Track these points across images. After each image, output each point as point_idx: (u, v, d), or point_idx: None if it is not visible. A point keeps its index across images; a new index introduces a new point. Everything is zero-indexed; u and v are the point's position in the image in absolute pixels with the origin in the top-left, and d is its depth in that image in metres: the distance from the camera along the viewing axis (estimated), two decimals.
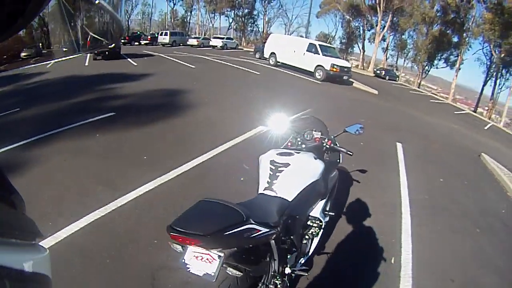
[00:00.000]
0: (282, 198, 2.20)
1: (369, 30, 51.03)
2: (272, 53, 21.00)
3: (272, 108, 9.27)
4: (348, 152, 2.91)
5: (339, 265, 3.52)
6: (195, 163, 5.52)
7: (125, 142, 6.35)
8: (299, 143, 2.91)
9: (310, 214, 2.70)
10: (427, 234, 4.55)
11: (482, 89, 39.26)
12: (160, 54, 23.46)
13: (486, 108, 39.83)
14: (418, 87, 39.45)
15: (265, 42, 25.09)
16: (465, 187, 7.03)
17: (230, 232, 1.53)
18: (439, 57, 42.98)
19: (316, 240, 2.94)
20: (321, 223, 2.78)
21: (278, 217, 1.99)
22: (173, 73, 16.23)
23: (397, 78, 38.95)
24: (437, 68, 44.68)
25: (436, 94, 38.42)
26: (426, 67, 44.35)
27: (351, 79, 19.78)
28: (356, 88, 19.57)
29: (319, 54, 18.34)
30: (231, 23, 61.55)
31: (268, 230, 1.75)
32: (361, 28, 52.35)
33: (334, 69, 17.65)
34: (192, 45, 38.14)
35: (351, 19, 51.19)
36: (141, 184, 4.55)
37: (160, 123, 7.60)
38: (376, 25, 44.31)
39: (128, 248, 3.39)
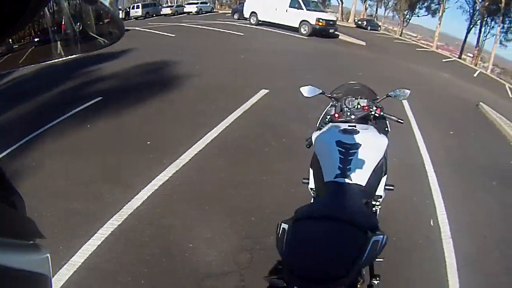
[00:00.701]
0: (357, 184, 2.06)
1: None
2: (253, 13, 20.34)
3: (266, 69, 9.20)
4: (399, 120, 2.73)
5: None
6: (206, 141, 5.14)
7: (121, 129, 5.73)
8: (348, 113, 2.65)
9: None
10: (454, 193, 4.66)
11: (466, 37, 39.66)
12: (135, 28, 22.22)
13: (470, 55, 40.52)
14: (400, 36, 39.47)
15: (242, 3, 24.23)
16: (473, 140, 7.22)
17: (364, 258, 1.37)
18: (420, 6, 42.75)
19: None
20: (381, 200, 2.67)
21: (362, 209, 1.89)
22: (153, 45, 15.04)
23: (379, 28, 38.83)
24: (418, 16, 44.70)
25: (418, 42, 38.60)
26: (407, 16, 44.17)
27: (336, 32, 19.57)
28: (343, 40, 19.40)
29: (303, 9, 18.16)
30: None
31: (381, 233, 1.57)
32: None
33: (320, 23, 17.54)
34: (166, 15, 36.12)
35: None
36: (154, 177, 4.11)
37: (155, 101, 6.95)
38: None
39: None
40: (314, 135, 2.46)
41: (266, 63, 9.58)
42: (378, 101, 2.90)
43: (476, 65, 33.16)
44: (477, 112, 9.72)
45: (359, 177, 2.07)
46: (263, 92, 6.85)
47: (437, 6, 40.90)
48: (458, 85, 14.25)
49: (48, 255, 0.53)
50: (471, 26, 39.01)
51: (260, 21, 20.03)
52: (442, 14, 39.51)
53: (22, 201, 0.59)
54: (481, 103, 10.33)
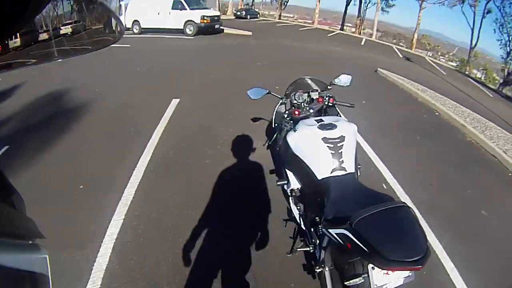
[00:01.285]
0: (351, 173, 2.26)
1: None
2: (135, 21, 19.49)
3: (166, 77, 8.85)
4: (351, 105, 3.01)
5: None
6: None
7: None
8: (307, 108, 2.81)
9: None
10: (391, 155, 5.11)
11: (346, 9, 42.61)
12: None
13: (349, 25, 43.97)
14: (279, 19, 41.22)
15: None
16: (384, 104, 7.93)
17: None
18: None
19: None
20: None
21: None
22: None
23: (258, 15, 40.16)
24: None
25: (297, 22, 40.85)
26: None
27: (221, 27, 19.76)
28: (229, 34, 19.65)
29: (186, 9, 17.87)
30: None
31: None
32: None
33: (205, 21, 17.46)
34: None
35: None
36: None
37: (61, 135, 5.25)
38: None
39: None
40: (290, 138, 2.48)
41: (163, 70, 9.21)
42: (326, 90, 3.06)
43: (360, 34, 36.16)
44: (378, 77, 10.61)
45: (349, 166, 2.26)
46: (174, 102, 6.51)
47: None
48: (352, 55, 15.47)
49: (47, 255, 0.54)
50: None
51: (143, 28, 19.30)
52: None
53: (22, 201, 0.61)
54: (378, 68, 11.27)
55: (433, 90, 9.62)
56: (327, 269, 2.11)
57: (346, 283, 1.76)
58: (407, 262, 1.43)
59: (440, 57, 51.26)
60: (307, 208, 2.63)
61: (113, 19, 0.69)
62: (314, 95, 2.86)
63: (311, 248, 2.36)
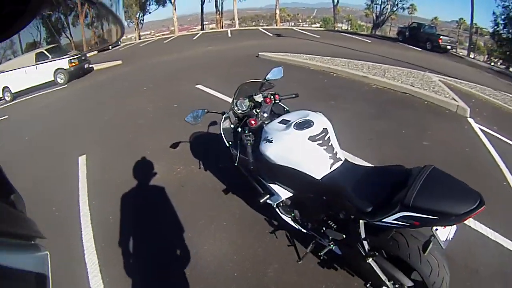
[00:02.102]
0: (345, 160, 2.39)
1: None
2: (5, 88, 17.30)
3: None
4: (296, 95, 3.05)
5: None
6: None
7: None
8: (263, 114, 2.76)
9: None
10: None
11: (202, 8, 42.77)
12: None
13: (207, 22, 44.80)
14: (140, 39, 40.37)
15: None
16: (287, 80, 8.13)
17: None
18: (149, 2, 43.92)
19: None
20: None
21: None
22: None
23: (120, 42, 38.82)
24: (150, 13, 45.81)
25: (158, 36, 40.46)
26: (141, 18, 44.86)
27: (91, 65, 18.65)
28: (100, 69, 18.67)
29: (49, 57, 16.34)
30: None
31: None
32: None
33: (74, 63, 16.19)
34: None
35: None
36: None
37: None
38: None
39: None
40: (269, 150, 2.42)
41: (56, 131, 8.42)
42: (265, 89, 3.07)
43: (222, 27, 36.97)
44: (263, 61, 11.01)
45: (340, 153, 2.38)
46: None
47: None
48: (227, 49, 15.72)
49: (48, 255, 0.55)
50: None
51: (15, 93, 17.26)
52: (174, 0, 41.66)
53: (22, 201, 0.63)
54: (259, 53, 11.68)
55: (320, 55, 10.29)
56: (373, 258, 2.15)
57: (425, 254, 1.89)
58: (475, 208, 1.59)
59: (303, 23, 54.88)
60: (306, 212, 2.67)
61: (113, 20, 0.69)
62: (259, 98, 2.81)
63: (331, 245, 2.44)
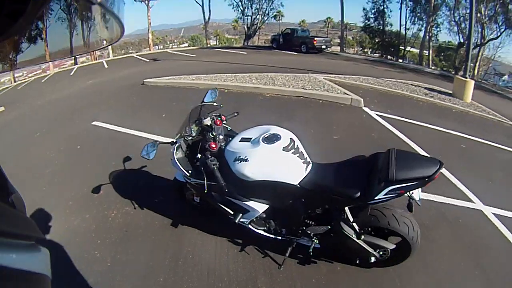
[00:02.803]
0: (311, 161, 2.69)
1: None
2: None
3: None
4: (236, 113, 3.22)
5: None
6: None
7: None
8: (219, 136, 2.84)
9: None
10: None
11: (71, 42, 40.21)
12: None
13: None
14: (15, 81, 36.57)
15: None
16: (176, 101, 7.99)
17: None
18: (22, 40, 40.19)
19: None
20: None
21: None
22: None
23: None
24: (22, 52, 41.95)
25: (34, 76, 37.15)
26: (14, 58, 40.47)
27: None
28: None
29: None
30: None
31: None
32: None
33: None
34: None
35: None
36: None
37: None
38: None
39: None
40: (247, 170, 2.49)
41: None
42: (210, 111, 3.04)
43: (96, 59, 34.99)
44: (150, 88, 10.67)
45: (308, 157, 2.68)
46: None
47: None
48: (108, 80, 14.87)
49: (48, 254, 0.57)
50: None
51: None
52: None
53: (22, 201, 0.66)
54: (144, 80, 11.33)
55: (205, 74, 10.33)
56: (362, 237, 2.57)
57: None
58: (439, 169, 2.15)
59: (171, 44, 54.92)
60: (283, 219, 2.86)
61: (112, 20, 0.68)
62: (208, 121, 2.83)
63: (314, 241, 2.72)
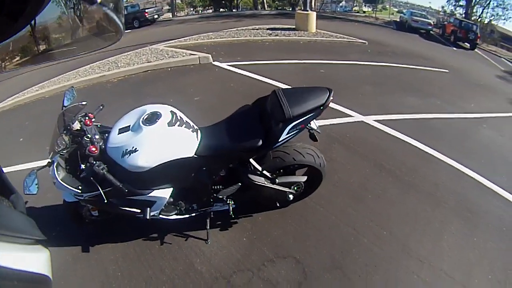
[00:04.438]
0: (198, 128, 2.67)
1: None
2: None
3: None
4: (102, 106, 2.88)
5: None
6: None
7: None
8: (95, 137, 2.49)
9: None
10: None
11: None
12: None
13: None
14: None
15: None
16: None
17: None
18: None
19: None
20: None
21: None
22: None
23: None
24: None
25: None
26: None
27: None
28: None
29: None
30: None
31: None
32: None
33: None
34: None
35: None
36: None
37: None
38: None
39: None
40: (141, 161, 2.30)
41: None
42: (75, 114, 2.67)
43: None
44: None
45: (194, 125, 2.63)
46: None
47: None
48: None
49: (48, 255, 0.63)
50: None
51: None
52: None
53: (22, 201, 0.81)
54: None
55: None
56: (277, 180, 2.74)
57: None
58: (329, 95, 2.41)
59: None
60: (190, 196, 2.81)
61: (112, 20, 0.67)
62: (77, 125, 2.56)
63: (229, 203, 2.81)
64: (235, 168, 2.69)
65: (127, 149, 2.33)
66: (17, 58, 0.59)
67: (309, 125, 2.47)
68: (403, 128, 4.62)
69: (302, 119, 2.35)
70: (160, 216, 2.82)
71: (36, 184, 2.28)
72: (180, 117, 2.55)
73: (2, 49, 0.56)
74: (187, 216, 2.91)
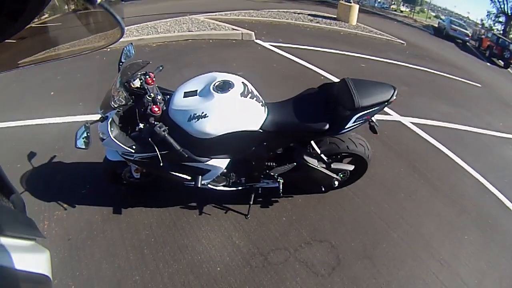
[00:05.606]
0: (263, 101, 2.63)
1: None
2: None
3: None
4: (161, 67, 2.86)
5: None
6: None
7: None
8: (158, 97, 2.43)
9: None
10: None
11: None
12: None
13: None
14: None
15: None
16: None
17: None
18: None
19: None
20: None
21: None
22: None
23: None
24: None
25: None
26: None
27: None
28: None
29: None
30: None
31: None
32: None
33: None
34: None
35: None
36: None
37: None
38: None
39: None
40: (209, 127, 2.27)
41: None
42: (135, 71, 2.57)
43: None
44: None
45: (260, 96, 2.59)
46: None
47: None
48: None
49: (48, 255, 0.59)
50: None
51: None
52: None
53: (22, 201, 0.70)
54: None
55: None
56: (331, 166, 2.82)
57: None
58: (394, 92, 2.51)
59: None
60: (244, 169, 2.80)
61: (112, 21, 0.69)
62: (137, 83, 2.46)
63: (280, 180, 2.85)
64: (293, 148, 2.73)
65: (195, 114, 2.26)
66: (17, 58, 0.60)
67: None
68: (436, 134, 4.74)
69: (369, 110, 2.43)
70: (209, 186, 2.79)
71: (83, 138, 2.18)
72: (251, 89, 2.51)
73: (2, 49, 0.56)
74: (233, 188, 2.91)
